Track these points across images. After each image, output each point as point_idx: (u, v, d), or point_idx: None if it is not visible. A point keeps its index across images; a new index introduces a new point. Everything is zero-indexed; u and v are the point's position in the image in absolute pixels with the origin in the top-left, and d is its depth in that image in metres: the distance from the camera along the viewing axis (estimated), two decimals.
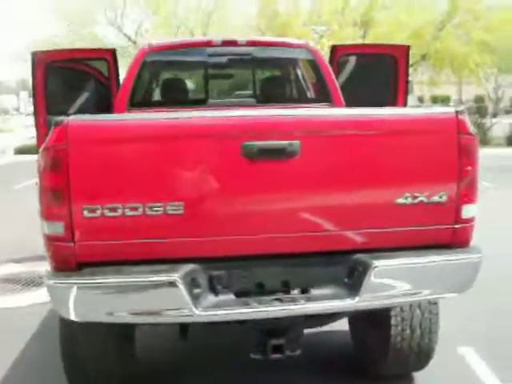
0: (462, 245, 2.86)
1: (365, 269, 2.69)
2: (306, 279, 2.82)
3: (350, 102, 4.43)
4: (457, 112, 2.74)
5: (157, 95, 5.26)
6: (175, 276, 2.57)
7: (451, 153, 2.73)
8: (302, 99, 5.12)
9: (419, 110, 4.11)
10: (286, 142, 2.66)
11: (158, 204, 2.63)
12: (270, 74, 5.58)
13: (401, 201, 2.75)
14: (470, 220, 2.85)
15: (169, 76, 5.44)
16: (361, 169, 2.77)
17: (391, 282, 2.75)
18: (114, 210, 2.61)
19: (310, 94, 5.16)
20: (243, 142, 2.65)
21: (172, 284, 2.56)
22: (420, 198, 2.75)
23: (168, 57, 5.16)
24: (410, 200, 2.74)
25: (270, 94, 4.98)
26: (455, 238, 2.83)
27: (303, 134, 2.70)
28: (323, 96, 4.84)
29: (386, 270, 2.71)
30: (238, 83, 5.98)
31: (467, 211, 2.82)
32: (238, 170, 2.69)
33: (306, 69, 5.13)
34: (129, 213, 2.61)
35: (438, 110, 3.03)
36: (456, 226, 2.82)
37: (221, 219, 2.75)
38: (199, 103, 4.90)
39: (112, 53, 5.33)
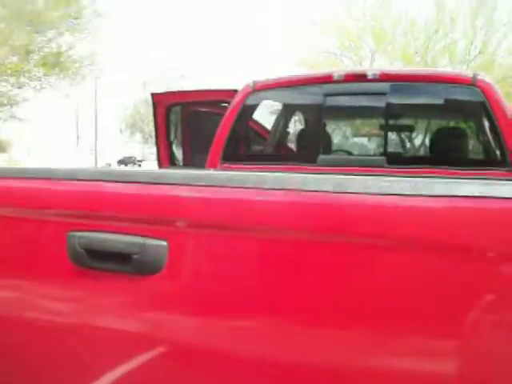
0: None
1: None
2: None
3: None
4: None
5: (257, 147, 3.98)
6: None
7: None
8: (459, 160, 3.35)
9: None
10: None
11: None
12: (411, 122, 3.83)
13: None
14: None
15: (272, 123, 4.09)
16: None
17: None
18: None
19: (475, 152, 3.36)
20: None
21: None
22: None
23: (274, 98, 3.85)
24: None
25: (410, 152, 3.35)
26: None
27: None
28: (494, 156, 3.08)
29: None
30: (363, 133, 4.39)
31: None
32: None
33: (465, 113, 3.36)
34: None
35: None
36: None
37: None
38: (307, 160, 3.49)
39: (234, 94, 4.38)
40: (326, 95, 3.55)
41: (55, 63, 17.48)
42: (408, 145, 3.75)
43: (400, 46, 23.73)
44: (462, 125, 3.52)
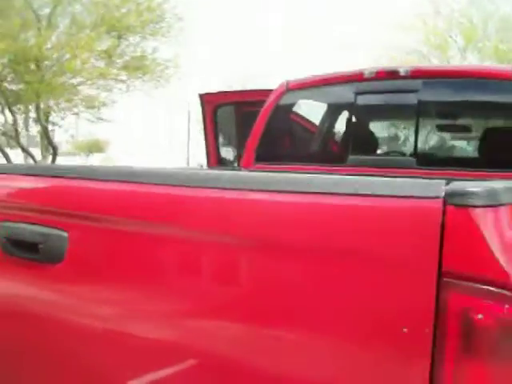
0: None
1: None
2: None
3: None
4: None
5: (291, 147, 3.90)
6: None
7: None
8: (486, 163, 3.13)
9: None
10: None
11: None
12: (448, 121, 3.59)
13: None
14: None
15: (305, 123, 3.98)
16: None
17: None
18: None
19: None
20: None
21: None
22: None
23: (308, 97, 3.77)
24: None
25: (441, 153, 3.18)
26: None
27: None
28: None
29: None
30: (396, 133, 4.13)
31: None
32: None
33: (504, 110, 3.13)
34: None
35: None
36: None
37: None
38: (336, 161, 3.40)
39: None
40: (358, 93, 3.44)
41: (139, 66, 17.97)
42: (440, 145, 3.55)
43: (491, 43, 22.78)
44: (500, 123, 3.29)
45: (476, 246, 0.90)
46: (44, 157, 19.06)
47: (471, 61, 22.41)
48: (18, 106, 17.89)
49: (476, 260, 0.90)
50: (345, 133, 3.65)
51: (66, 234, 1.39)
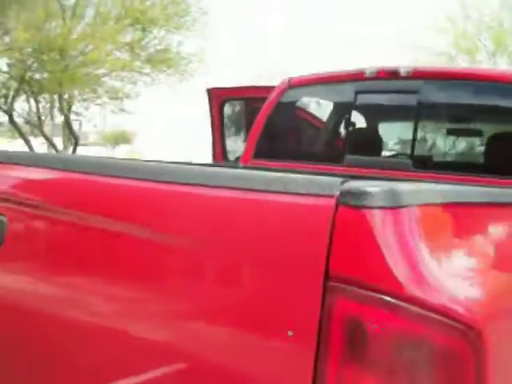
0: None
1: None
2: None
3: None
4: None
5: (289, 145, 3.85)
6: None
7: None
8: (485, 168, 3.05)
9: None
10: None
11: None
12: (448, 124, 3.50)
13: None
14: None
15: (305, 121, 3.93)
16: None
17: None
18: None
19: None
20: None
21: None
22: None
23: (310, 95, 3.72)
24: None
25: (439, 156, 3.12)
26: None
27: None
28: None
29: None
30: (395, 134, 4.02)
31: None
32: None
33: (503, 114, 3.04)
34: None
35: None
36: None
37: None
38: (333, 160, 3.35)
39: None
40: (358, 92, 3.39)
41: (163, 60, 18.03)
42: (438, 148, 3.47)
43: None
44: (501, 128, 3.21)
45: (366, 250, 0.84)
46: (65, 146, 19.25)
47: (500, 65, 22.09)
48: (43, 95, 18.07)
49: (364, 265, 0.84)
50: (343, 132, 3.60)
51: (5, 219, 1.43)
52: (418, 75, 3.18)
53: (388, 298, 0.82)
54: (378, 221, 0.85)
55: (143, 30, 17.37)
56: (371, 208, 0.85)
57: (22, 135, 17.77)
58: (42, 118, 18.45)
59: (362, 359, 0.83)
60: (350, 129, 3.53)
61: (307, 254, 0.89)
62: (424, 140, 3.39)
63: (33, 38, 14.62)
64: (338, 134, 3.73)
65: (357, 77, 3.40)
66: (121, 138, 38.95)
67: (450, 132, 3.39)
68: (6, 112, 17.20)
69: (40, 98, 18.13)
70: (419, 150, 3.29)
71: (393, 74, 3.25)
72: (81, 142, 19.07)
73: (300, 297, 0.89)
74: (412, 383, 0.82)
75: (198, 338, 1.03)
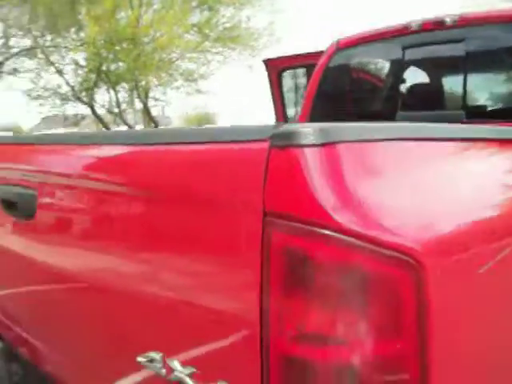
0: None
1: None
2: None
3: None
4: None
5: (341, 106, 3.84)
6: None
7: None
8: None
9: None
10: None
11: None
12: (498, 71, 3.34)
13: None
14: None
15: (355, 81, 3.88)
16: None
17: None
18: None
19: None
20: None
21: None
22: None
23: (358, 55, 3.71)
24: None
25: (492, 105, 3.04)
26: None
27: None
28: None
29: None
30: (445, 87, 3.83)
31: None
32: None
33: None
34: None
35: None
36: None
37: None
38: (385, 118, 3.33)
39: None
40: (405, 47, 3.35)
41: (232, 37, 18.15)
42: (490, 97, 3.37)
43: None
44: None
45: (296, 186, 0.89)
46: None
47: None
48: (121, 84, 18.64)
49: (296, 200, 0.89)
50: (394, 89, 3.55)
51: (35, 193, 1.61)
52: (464, 23, 3.10)
53: (319, 230, 0.87)
54: (307, 158, 0.89)
55: (210, 9, 17.54)
56: (299, 146, 0.89)
57: (105, 125, 18.48)
58: (123, 106, 19.06)
59: (299, 288, 0.90)
60: (400, 85, 3.49)
61: (246, 195, 0.96)
62: (475, 90, 3.29)
63: (103, 31, 15.10)
64: (389, 91, 3.69)
65: (402, 31, 3.35)
66: (204, 120, 39.46)
67: (501, 79, 3.28)
68: (87, 104, 17.95)
69: (119, 88, 18.73)
70: (471, 101, 3.20)
71: (438, 25, 3.18)
72: (164, 126, 19.55)
73: (245, 234, 0.97)
74: (348, 311, 0.88)
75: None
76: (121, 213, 1.32)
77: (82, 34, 16.79)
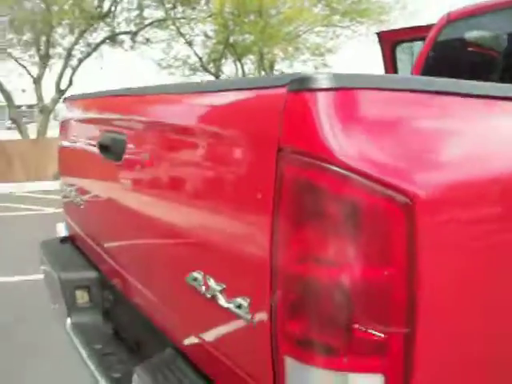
0: None
1: None
2: None
3: None
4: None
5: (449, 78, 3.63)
6: None
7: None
8: None
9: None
10: None
11: None
12: None
13: None
14: None
15: (467, 54, 3.65)
16: None
17: None
18: None
19: None
20: None
21: None
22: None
23: (470, 27, 3.50)
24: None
25: None
26: None
27: None
28: None
29: None
30: None
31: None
32: None
33: None
34: None
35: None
36: None
37: None
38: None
39: None
40: None
41: (360, 11, 17.80)
42: None
43: None
44: None
45: (306, 126, 0.99)
46: None
47: None
48: (247, 56, 18.92)
49: (305, 138, 0.99)
50: (506, 61, 3.32)
51: (124, 137, 1.82)
52: None
53: (325, 165, 0.98)
54: (318, 101, 0.99)
55: None
56: (312, 90, 0.99)
57: None
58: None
59: (305, 214, 1.01)
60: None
61: (266, 134, 1.09)
62: None
63: (231, 2, 15.33)
64: (502, 63, 3.46)
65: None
66: None
67: None
68: (215, 75, 18.41)
69: (245, 60, 19.03)
70: None
71: None
72: None
73: (263, 169, 1.09)
74: (345, 238, 0.98)
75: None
76: (189, 152, 1.47)
77: (211, 6, 17.16)
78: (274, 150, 1.05)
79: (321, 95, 0.99)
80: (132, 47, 18.03)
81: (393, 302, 0.98)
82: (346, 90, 1.01)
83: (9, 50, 16.39)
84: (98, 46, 17.30)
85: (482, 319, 1.08)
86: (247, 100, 1.23)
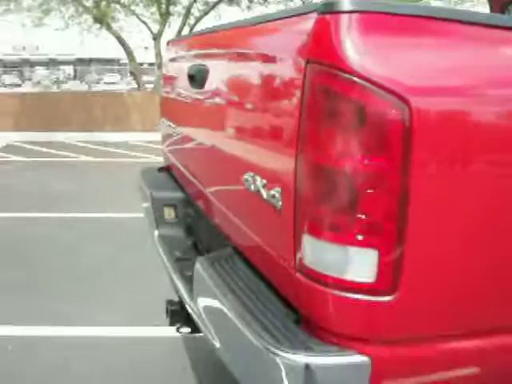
0: None
1: None
2: None
3: None
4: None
5: None
6: None
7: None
8: None
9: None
10: None
11: None
12: None
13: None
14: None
15: None
16: None
17: None
18: None
19: None
20: None
21: None
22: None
23: None
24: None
25: None
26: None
27: None
28: None
29: None
30: None
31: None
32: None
33: None
34: None
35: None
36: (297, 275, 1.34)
37: None
38: None
39: None
40: None
41: None
42: None
43: None
44: None
45: (329, 42, 1.20)
46: None
47: None
48: None
49: (328, 52, 1.21)
50: None
51: (207, 68, 2.12)
52: None
53: (342, 74, 1.20)
54: (340, 22, 1.20)
55: None
56: (337, 13, 1.20)
57: None
58: None
59: (325, 115, 1.24)
60: None
61: (299, 50, 1.33)
62: None
63: None
64: None
65: None
66: None
67: None
68: None
69: None
70: None
71: None
72: None
73: (297, 79, 1.33)
74: (352, 133, 1.20)
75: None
76: (247, 72, 1.76)
77: None
78: (304, 62, 1.28)
79: (342, 17, 1.20)
80: (249, 7, 18.31)
81: (389, 189, 1.19)
82: (365, 13, 1.21)
83: (132, 8, 17.17)
84: (215, 4, 17.73)
85: (472, 210, 1.25)
86: (291, 25, 1.47)
